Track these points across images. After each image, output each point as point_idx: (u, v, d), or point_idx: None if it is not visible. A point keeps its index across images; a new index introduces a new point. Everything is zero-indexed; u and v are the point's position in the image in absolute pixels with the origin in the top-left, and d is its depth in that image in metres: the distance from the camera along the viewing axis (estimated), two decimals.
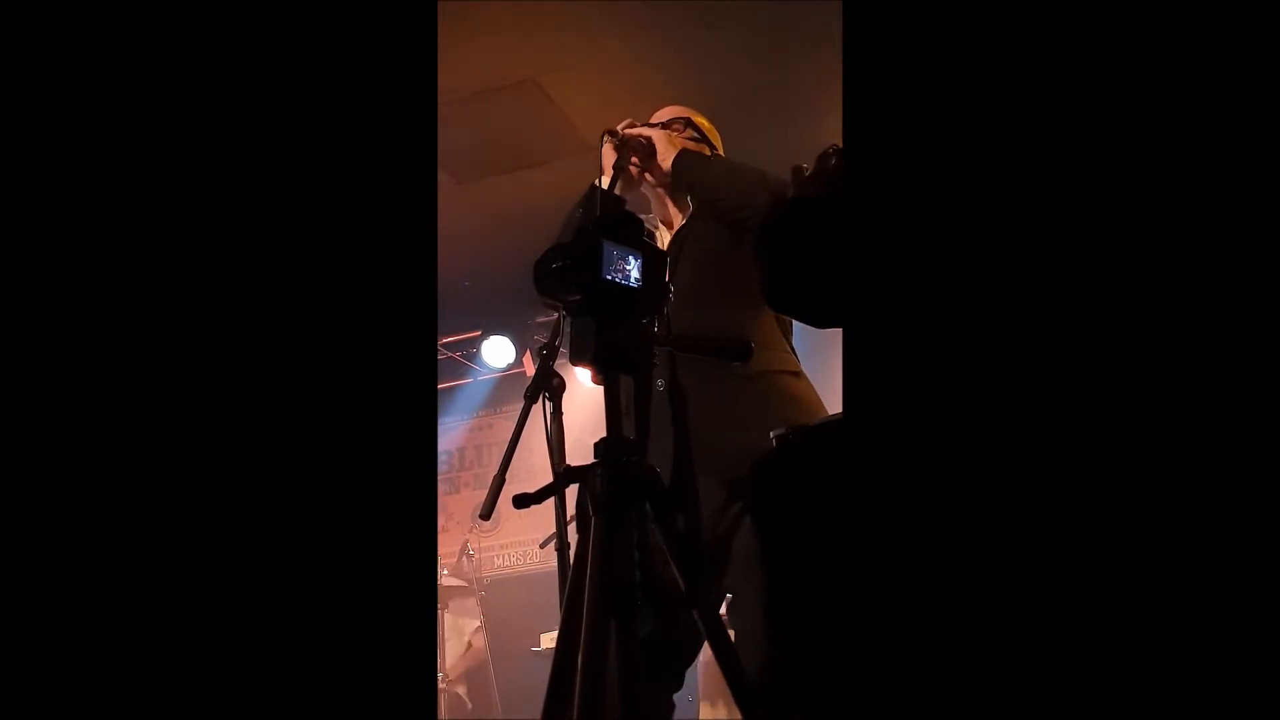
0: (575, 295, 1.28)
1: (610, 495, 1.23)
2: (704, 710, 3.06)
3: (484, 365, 5.42)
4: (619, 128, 2.04)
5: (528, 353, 5.26)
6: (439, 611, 4.38)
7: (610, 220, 1.31)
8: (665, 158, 1.99)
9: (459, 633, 4.60)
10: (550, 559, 4.53)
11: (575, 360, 1.28)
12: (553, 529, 1.99)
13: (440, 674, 4.23)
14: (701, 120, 2.16)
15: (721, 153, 2.16)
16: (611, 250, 1.29)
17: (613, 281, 1.28)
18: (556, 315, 1.87)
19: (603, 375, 1.28)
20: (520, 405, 1.87)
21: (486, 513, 1.77)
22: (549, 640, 4.11)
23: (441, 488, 5.55)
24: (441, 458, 5.72)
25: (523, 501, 1.25)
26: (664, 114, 2.14)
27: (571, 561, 1.27)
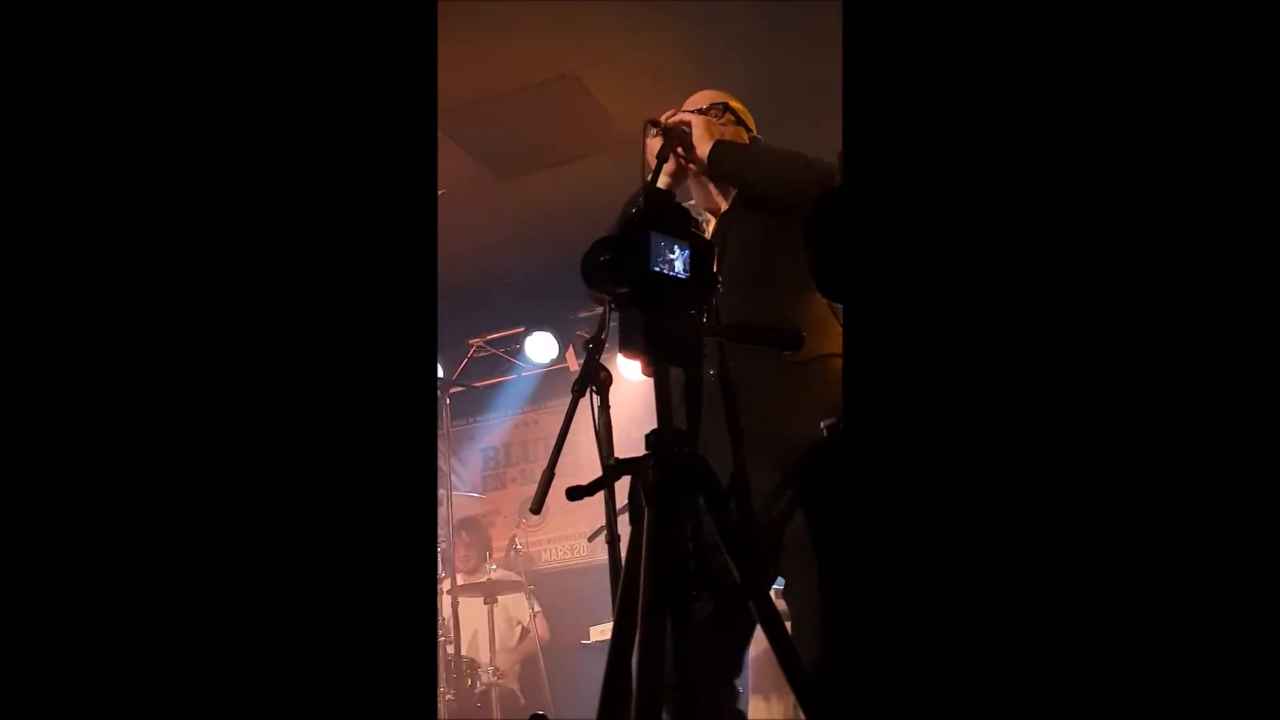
0: (623, 287, 1.28)
1: (662, 486, 1.23)
2: (755, 705, 3.05)
3: (527, 361, 5.44)
4: (662, 117, 2.03)
5: (570, 348, 5.27)
6: (489, 606, 4.41)
7: (657, 211, 1.31)
8: (702, 145, 1.97)
9: (510, 624, 4.63)
10: (597, 552, 4.53)
11: (625, 352, 1.28)
12: (599, 522, 1.99)
13: (491, 668, 4.26)
14: (736, 103, 2.14)
15: (755, 133, 2.14)
16: (659, 242, 1.28)
17: (660, 273, 1.28)
18: (601, 309, 1.87)
19: (653, 367, 1.28)
20: (565, 400, 1.87)
21: (537, 507, 1.77)
22: (598, 633, 4.13)
23: (488, 483, 5.58)
24: (488, 453, 5.75)
25: (576, 493, 1.25)
26: (699, 99, 2.12)
27: (624, 554, 1.27)
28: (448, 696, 4.02)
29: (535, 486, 1.81)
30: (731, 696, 1.82)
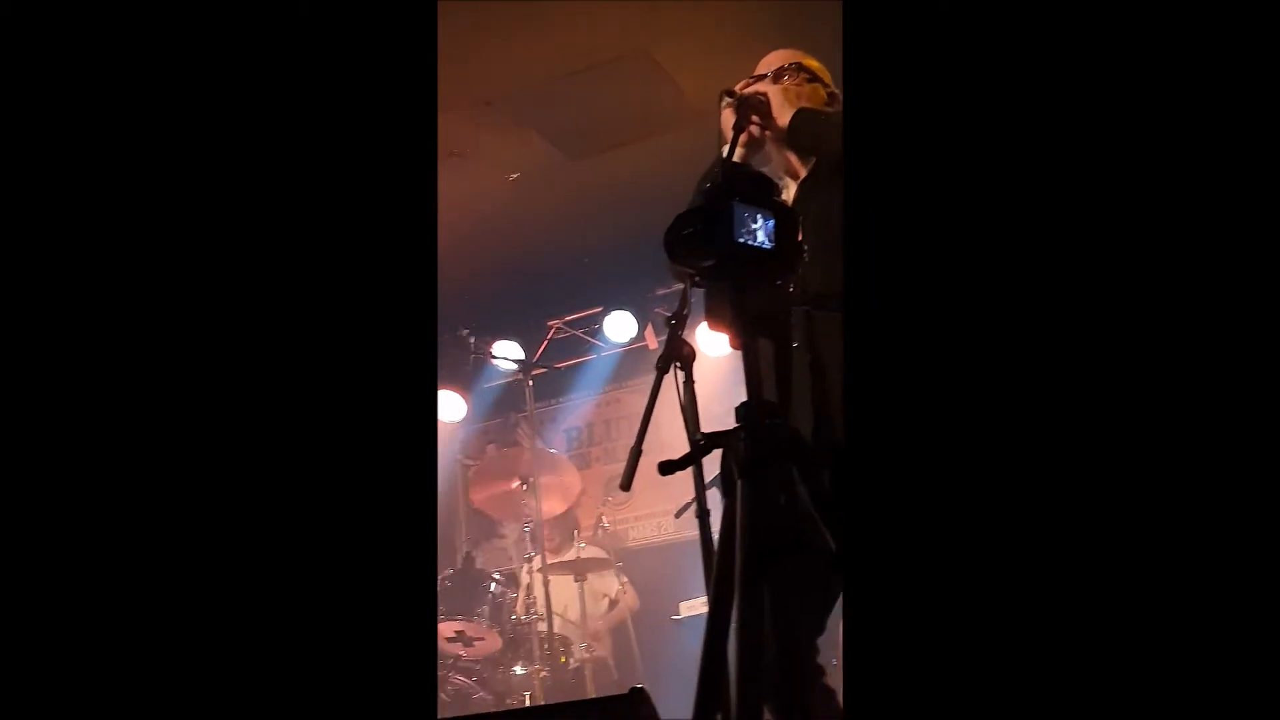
0: (708, 260, 1.27)
1: (755, 459, 1.22)
2: None
3: (607, 341, 5.47)
4: (737, 88, 2.01)
5: (649, 326, 5.28)
6: (579, 584, 4.45)
7: (740, 182, 1.29)
8: (782, 115, 1.95)
9: (596, 598, 4.67)
10: (684, 528, 4.51)
11: (713, 324, 1.27)
12: (684, 498, 1.99)
13: (584, 644, 4.31)
14: (811, 61, 2.10)
15: (833, 88, 2.11)
16: (743, 213, 1.27)
17: (745, 244, 1.27)
18: (682, 286, 1.86)
19: (741, 339, 1.27)
20: (646, 378, 1.87)
21: (627, 483, 1.78)
22: (688, 609, 4.14)
23: (573, 462, 5.64)
24: (571, 433, 5.81)
25: (668, 468, 1.25)
26: (774, 60, 2.09)
27: (718, 528, 1.26)
28: (542, 674, 4.08)
29: (619, 465, 1.82)
30: (818, 660, 1.82)
